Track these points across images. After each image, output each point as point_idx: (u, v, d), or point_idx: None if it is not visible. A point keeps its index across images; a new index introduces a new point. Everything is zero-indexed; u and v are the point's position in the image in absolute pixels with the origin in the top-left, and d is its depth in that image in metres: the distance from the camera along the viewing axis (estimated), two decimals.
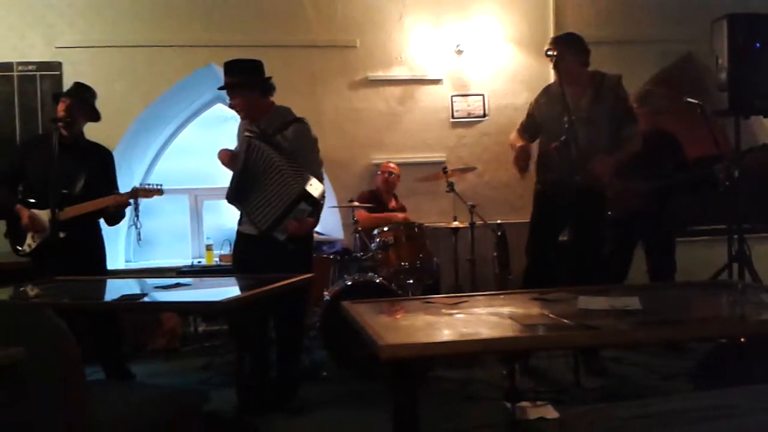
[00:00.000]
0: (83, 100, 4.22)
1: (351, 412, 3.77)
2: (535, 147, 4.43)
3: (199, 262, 5.90)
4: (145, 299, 3.20)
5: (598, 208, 4.25)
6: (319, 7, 5.82)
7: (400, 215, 5.35)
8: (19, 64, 5.43)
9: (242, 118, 3.94)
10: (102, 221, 4.33)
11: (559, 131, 3.95)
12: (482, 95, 6.04)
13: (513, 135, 4.54)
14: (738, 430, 1.23)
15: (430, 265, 4.79)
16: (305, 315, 4.11)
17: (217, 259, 5.78)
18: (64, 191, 4.00)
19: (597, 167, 4.03)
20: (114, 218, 4.29)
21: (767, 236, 5.80)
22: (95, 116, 4.28)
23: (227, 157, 3.84)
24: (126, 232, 6.07)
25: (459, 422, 3.48)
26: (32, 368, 1.86)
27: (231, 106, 3.88)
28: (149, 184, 4.24)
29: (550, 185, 4.28)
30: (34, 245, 4.11)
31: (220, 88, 3.86)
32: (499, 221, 5.28)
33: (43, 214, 4.02)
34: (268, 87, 3.83)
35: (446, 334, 2.26)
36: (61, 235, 3.97)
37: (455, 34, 5.97)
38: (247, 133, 3.77)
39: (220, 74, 3.88)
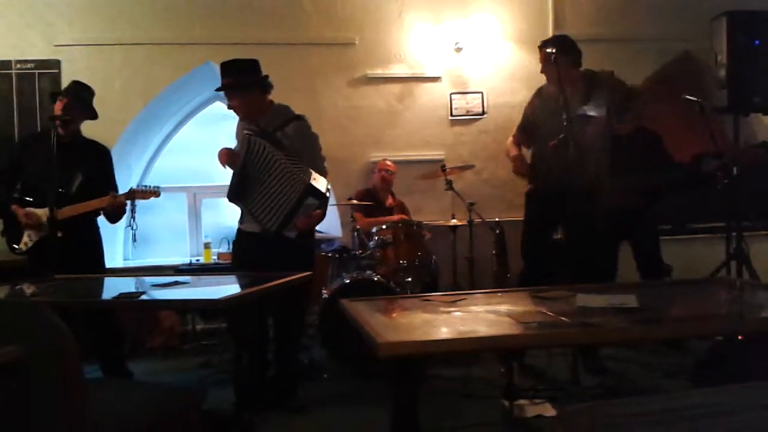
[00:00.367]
0: (81, 98, 4.21)
1: (350, 410, 3.77)
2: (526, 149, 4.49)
3: (197, 260, 5.90)
4: (143, 297, 3.20)
5: (590, 206, 4.24)
6: (318, 4, 5.81)
7: (396, 218, 5.34)
8: (18, 62, 5.42)
9: (241, 119, 3.92)
10: (102, 218, 4.33)
11: (556, 131, 3.96)
12: (481, 93, 6.03)
13: (509, 141, 4.59)
14: (737, 427, 1.23)
15: (428, 263, 4.79)
16: (304, 313, 4.11)
17: (215, 257, 5.78)
18: (61, 190, 4.00)
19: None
20: (113, 217, 4.29)
21: (765, 234, 5.82)
22: (93, 114, 4.28)
23: (227, 156, 3.82)
24: (124, 230, 6.06)
25: (457, 420, 3.49)
26: (31, 367, 1.86)
27: (230, 107, 3.84)
28: (146, 186, 4.24)
29: (544, 184, 4.30)
30: (30, 243, 4.11)
31: (218, 89, 3.84)
32: (497, 219, 5.27)
33: (40, 213, 4.02)
34: (265, 86, 3.81)
35: (444, 332, 2.26)
36: (58, 234, 3.97)
37: (454, 32, 5.96)
38: (246, 132, 3.76)
39: (218, 72, 3.86)
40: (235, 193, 3.84)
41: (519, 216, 4.77)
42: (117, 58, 5.54)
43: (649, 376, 4.11)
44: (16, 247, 4.15)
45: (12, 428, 1.93)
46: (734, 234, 4.70)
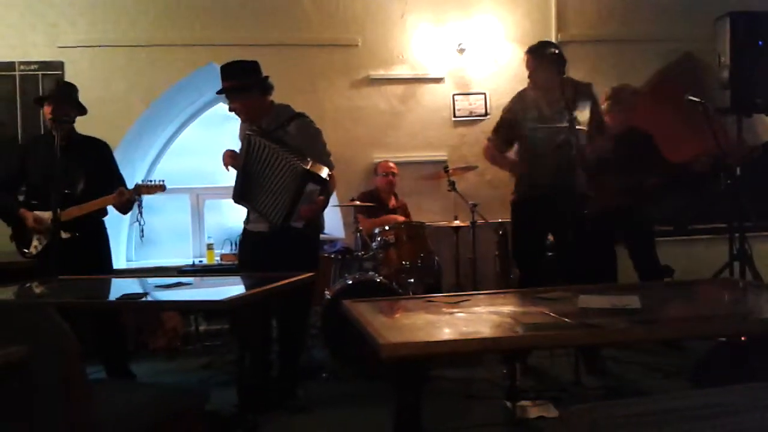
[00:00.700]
0: (68, 97, 4.18)
1: (352, 411, 3.77)
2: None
3: (201, 261, 5.90)
4: (146, 298, 3.20)
5: (583, 208, 4.23)
6: (320, 5, 5.82)
7: (400, 218, 5.34)
8: (21, 63, 5.43)
9: (243, 121, 3.93)
10: (107, 217, 4.34)
11: (547, 135, 3.97)
12: (484, 94, 6.03)
13: (488, 147, 4.53)
14: (738, 428, 1.24)
15: (431, 264, 4.79)
16: (308, 314, 4.11)
17: (219, 259, 5.79)
18: (67, 191, 4.01)
19: None
20: (123, 209, 4.30)
21: None
22: (83, 110, 4.26)
23: (230, 158, 3.83)
24: (128, 231, 6.08)
25: (460, 421, 3.49)
26: (34, 367, 1.86)
27: (231, 110, 3.84)
28: (152, 181, 4.25)
29: (534, 190, 4.21)
30: (40, 247, 4.11)
31: (219, 92, 3.84)
32: (500, 220, 5.28)
33: (47, 216, 4.02)
34: (266, 87, 3.81)
35: (447, 333, 2.27)
36: (66, 235, 3.98)
37: (457, 33, 5.96)
38: (247, 132, 3.77)
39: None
40: (239, 194, 3.85)
41: None
42: (120, 59, 5.55)
43: (650, 377, 4.10)
44: (27, 251, 4.16)
45: (15, 428, 1.94)
46: (737, 235, 4.69)
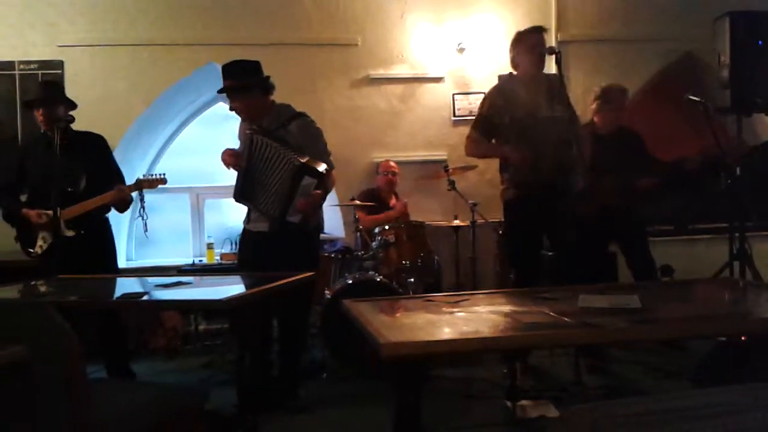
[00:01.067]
0: (57, 96, 4.17)
1: (352, 410, 3.77)
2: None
3: (200, 260, 5.91)
4: (146, 297, 3.20)
5: (581, 206, 4.21)
6: (320, 5, 5.82)
7: (400, 212, 5.34)
8: (21, 62, 5.43)
9: (243, 120, 3.93)
10: (112, 215, 4.34)
11: (541, 132, 3.95)
12: (484, 93, 6.00)
13: (470, 143, 4.38)
14: (739, 428, 1.24)
15: (431, 264, 4.79)
16: (309, 314, 4.11)
17: (218, 258, 5.79)
18: (69, 189, 4.01)
19: None
20: (121, 208, 4.29)
21: None
22: (72, 105, 4.22)
23: (233, 158, 3.82)
24: (128, 230, 6.08)
25: (460, 421, 3.49)
26: (34, 367, 1.86)
27: (232, 109, 3.84)
28: (152, 174, 4.25)
29: (530, 188, 4.10)
30: (45, 246, 4.11)
31: (220, 92, 3.84)
32: (500, 219, 5.27)
33: (51, 213, 4.02)
34: (267, 87, 3.81)
35: (447, 333, 2.26)
36: (69, 233, 3.98)
37: (457, 32, 5.96)
38: (248, 131, 3.77)
39: (221, 73, 3.87)
40: (241, 193, 3.84)
41: None
42: (120, 58, 5.55)
43: (651, 377, 4.10)
44: (32, 251, 4.15)
45: (16, 428, 1.93)
46: (737, 234, 4.69)
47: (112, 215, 4.38)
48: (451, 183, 5.26)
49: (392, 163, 5.63)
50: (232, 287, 3.53)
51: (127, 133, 5.55)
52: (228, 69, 3.77)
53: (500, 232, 5.30)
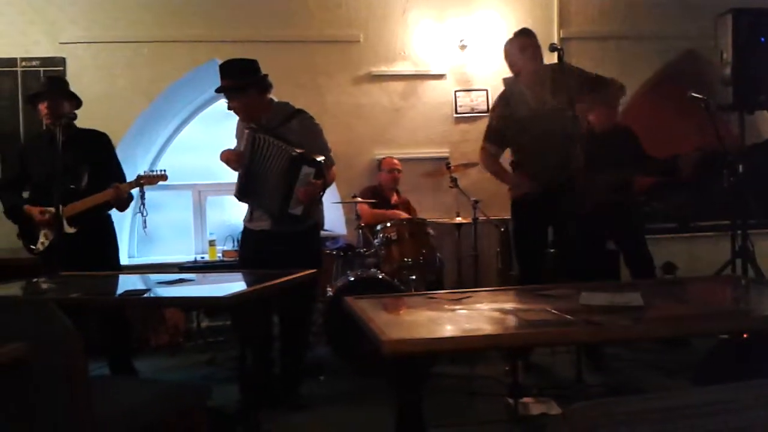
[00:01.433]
0: (62, 91, 4.18)
1: (354, 407, 3.78)
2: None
3: (202, 257, 5.91)
4: (148, 294, 3.20)
5: (581, 204, 4.21)
6: (322, 2, 5.82)
7: (403, 214, 5.32)
8: (23, 59, 5.44)
9: (242, 119, 3.92)
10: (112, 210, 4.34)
11: (545, 130, 3.94)
12: (486, 90, 6.02)
13: (484, 157, 4.41)
14: (740, 426, 1.23)
15: (433, 261, 4.79)
16: (311, 311, 4.11)
17: (220, 255, 5.79)
18: (72, 186, 4.01)
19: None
20: (120, 206, 4.29)
21: None
22: (79, 102, 4.24)
23: (235, 158, 3.81)
24: (129, 227, 6.08)
25: (462, 418, 3.49)
26: (36, 364, 1.87)
27: (230, 108, 3.83)
28: (153, 171, 4.25)
29: (536, 187, 4.14)
30: (47, 243, 4.11)
31: (218, 91, 3.83)
32: (502, 217, 5.27)
33: (53, 210, 4.02)
34: (265, 85, 3.79)
35: (449, 330, 2.26)
36: (71, 230, 3.98)
37: (459, 29, 5.96)
38: (248, 129, 3.76)
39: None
40: (243, 191, 3.84)
41: None
42: (122, 55, 5.55)
43: (653, 374, 4.11)
44: (33, 248, 4.16)
45: (17, 425, 1.94)
46: (739, 232, 4.69)
47: (114, 212, 4.38)
48: (453, 180, 5.26)
49: (395, 160, 5.62)
50: (234, 284, 3.52)
51: (129, 130, 5.55)
52: (225, 68, 3.77)
53: (502, 229, 5.29)
